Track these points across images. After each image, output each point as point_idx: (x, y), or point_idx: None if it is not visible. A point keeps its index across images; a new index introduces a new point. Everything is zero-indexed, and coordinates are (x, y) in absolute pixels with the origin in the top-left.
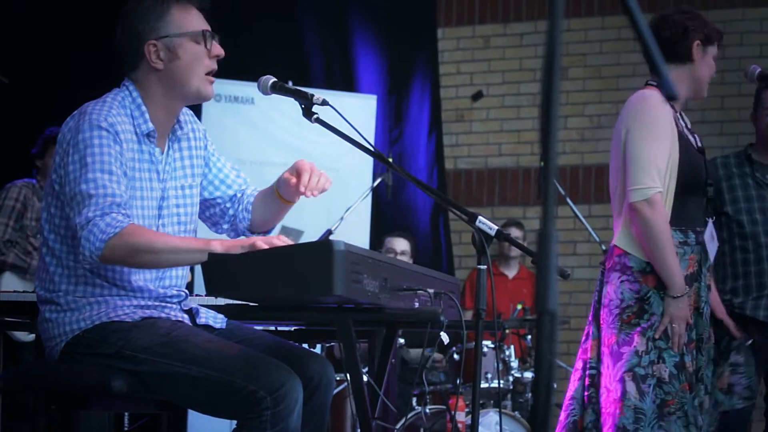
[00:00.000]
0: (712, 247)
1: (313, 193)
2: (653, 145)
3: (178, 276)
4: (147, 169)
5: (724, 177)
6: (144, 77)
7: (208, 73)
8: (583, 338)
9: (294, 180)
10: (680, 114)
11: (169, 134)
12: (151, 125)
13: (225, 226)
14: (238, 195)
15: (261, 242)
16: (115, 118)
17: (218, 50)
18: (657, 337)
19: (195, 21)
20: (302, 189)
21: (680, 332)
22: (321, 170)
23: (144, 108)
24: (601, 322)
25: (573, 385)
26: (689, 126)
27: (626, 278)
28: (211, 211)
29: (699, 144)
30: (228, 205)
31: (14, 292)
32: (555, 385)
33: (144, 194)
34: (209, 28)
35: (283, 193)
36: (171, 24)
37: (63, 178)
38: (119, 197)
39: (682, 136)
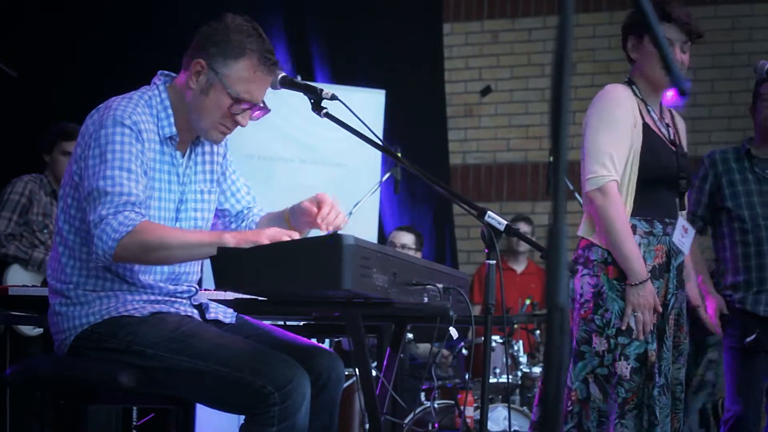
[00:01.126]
0: (685, 240)
1: (329, 229)
2: (605, 136)
3: (189, 273)
4: (167, 171)
5: (723, 172)
6: (180, 84)
7: (222, 124)
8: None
9: (315, 210)
10: (651, 108)
11: (192, 138)
12: (174, 129)
13: None
14: (245, 212)
15: (270, 237)
16: (140, 117)
17: (242, 120)
18: (614, 334)
19: (249, 85)
20: (319, 221)
21: (645, 320)
22: (339, 208)
23: (170, 111)
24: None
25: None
26: (667, 120)
27: (587, 272)
28: (213, 221)
29: (671, 137)
30: (232, 219)
31: (23, 286)
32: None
33: (162, 195)
34: (258, 101)
35: (294, 223)
36: (228, 69)
37: (83, 171)
38: (135, 196)
39: (648, 128)
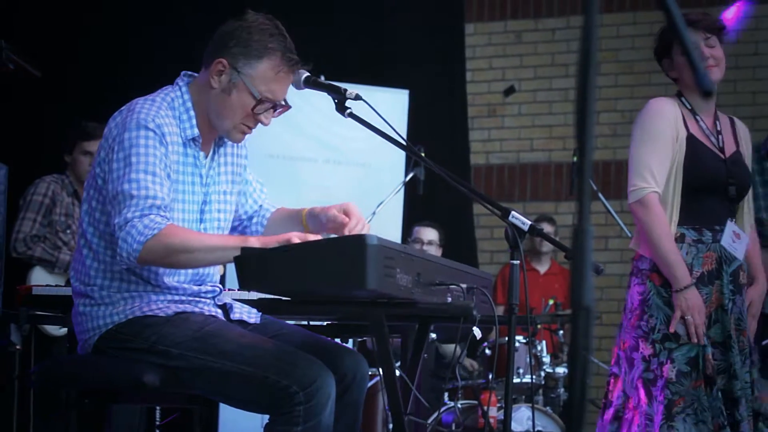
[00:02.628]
0: (737, 245)
1: None
2: (646, 149)
3: (211, 273)
4: (191, 173)
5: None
6: (201, 84)
7: (245, 123)
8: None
9: (345, 220)
10: (699, 117)
11: (215, 139)
12: (197, 131)
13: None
14: (256, 208)
15: (295, 237)
16: (163, 119)
17: (265, 119)
18: (659, 339)
19: (272, 85)
20: (347, 233)
21: (696, 323)
22: (365, 221)
23: (192, 113)
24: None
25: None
26: (719, 128)
27: (638, 281)
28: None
29: (720, 144)
30: (244, 217)
31: (47, 286)
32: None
33: (186, 197)
34: (280, 100)
35: (312, 226)
36: (251, 68)
37: (107, 174)
38: (160, 199)
39: (692, 139)
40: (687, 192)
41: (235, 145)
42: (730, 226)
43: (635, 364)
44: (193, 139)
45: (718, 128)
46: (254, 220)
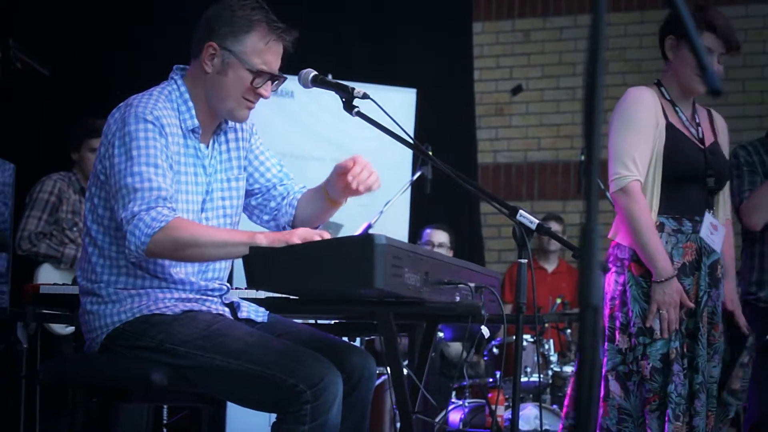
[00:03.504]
0: (715, 237)
1: (360, 188)
2: (627, 137)
3: (220, 268)
4: (192, 163)
5: (758, 162)
6: (194, 73)
7: (246, 99)
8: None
9: (351, 164)
10: (680, 108)
11: (215, 129)
12: (196, 121)
13: (265, 218)
14: (280, 189)
15: (301, 237)
16: (161, 111)
17: (265, 92)
18: (636, 332)
19: (265, 55)
20: (350, 178)
21: (670, 318)
22: (375, 171)
23: (191, 104)
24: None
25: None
26: (697, 120)
27: (616, 269)
28: (248, 201)
29: (700, 135)
30: (268, 196)
31: (54, 284)
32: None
33: (189, 188)
34: (276, 70)
35: (331, 193)
36: (241, 44)
37: (108, 170)
38: (165, 191)
39: (672, 128)
40: (666, 181)
41: (239, 130)
42: (708, 218)
43: (607, 355)
44: (193, 130)
45: (697, 120)
46: (284, 201)
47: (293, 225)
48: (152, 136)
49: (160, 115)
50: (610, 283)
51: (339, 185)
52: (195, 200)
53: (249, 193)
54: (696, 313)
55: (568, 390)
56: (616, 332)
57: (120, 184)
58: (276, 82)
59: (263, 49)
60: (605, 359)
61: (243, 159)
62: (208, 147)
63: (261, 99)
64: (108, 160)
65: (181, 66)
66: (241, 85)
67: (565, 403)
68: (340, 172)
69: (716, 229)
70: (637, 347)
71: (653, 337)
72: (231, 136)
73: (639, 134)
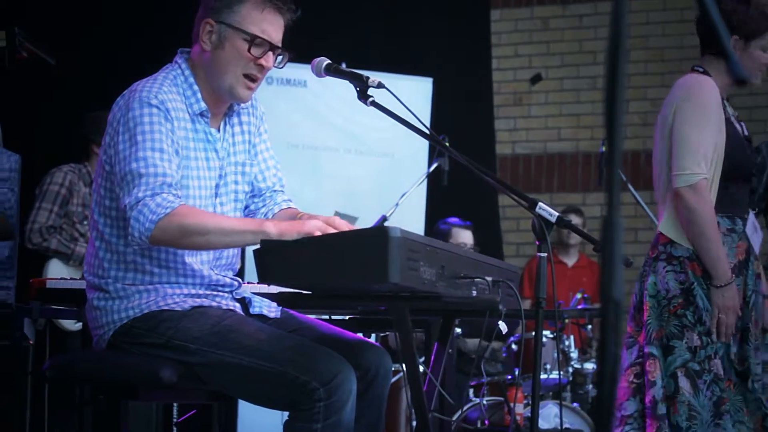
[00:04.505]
0: (756, 238)
1: None
2: (702, 131)
3: (230, 255)
4: (203, 148)
5: None
6: (196, 56)
7: (247, 76)
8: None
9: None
10: (726, 102)
11: (224, 110)
12: (203, 104)
13: (236, 215)
14: (267, 194)
15: (316, 229)
16: (166, 95)
17: (265, 62)
18: (705, 331)
19: (261, 24)
20: None
21: (729, 323)
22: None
23: (196, 87)
24: (645, 313)
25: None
26: (736, 115)
27: (672, 268)
28: None
29: (746, 133)
30: (250, 196)
31: (61, 279)
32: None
33: (201, 174)
34: (275, 40)
35: None
36: (236, 14)
37: (113, 158)
38: (170, 177)
39: (729, 123)
40: (723, 179)
41: (250, 114)
42: (752, 217)
43: (675, 352)
44: (201, 114)
45: (735, 114)
46: (263, 208)
47: None
48: (157, 120)
49: (165, 99)
50: (668, 281)
51: None
52: (208, 185)
53: None
54: (744, 313)
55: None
56: (686, 330)
57: (125, 170)
58: (281, 57)
59: (259, 17)
60: (674, 356)
61: (251, 145)
62: (219, 131)
63: (269, 88)
64: (112, 148)
65: (185, 49)
66: (240, 57)
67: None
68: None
69: (756, 229)
70: (709, 345)
71: (712, 339)
72: (244, 119)
73: (711, 128)
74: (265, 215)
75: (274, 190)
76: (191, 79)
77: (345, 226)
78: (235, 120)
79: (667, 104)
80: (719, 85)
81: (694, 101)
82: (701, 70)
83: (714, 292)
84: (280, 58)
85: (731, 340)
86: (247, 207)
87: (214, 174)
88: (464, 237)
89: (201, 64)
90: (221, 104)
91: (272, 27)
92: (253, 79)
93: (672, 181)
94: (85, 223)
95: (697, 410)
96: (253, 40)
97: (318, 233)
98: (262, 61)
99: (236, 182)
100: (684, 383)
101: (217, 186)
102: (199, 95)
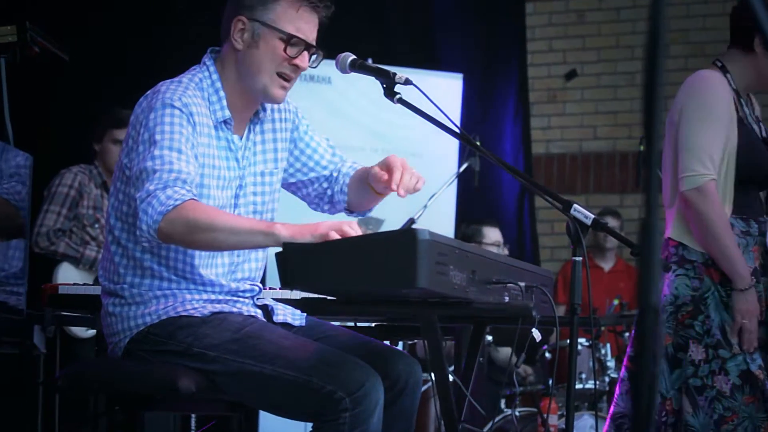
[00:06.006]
0: None
1: (402, 193)
2: (708, 130)
3: (251, 269)
4: (224, 156)
5: None
6: (226, 55)
7: (281, 76)
8: (630, 343)
9: (385, 176)
10: (744, 101)
11: (251, 117)
12: (227, 113)
13: (326, 207)
14: (335, 174)
15: (330, 229)
16: (190, 99)
17: (301, 62)
18: (713, 344)
19: (297, 23)
20: (394, 187)
21: (752, 329)
22: (414, 169)
23: (222, 93)
24: None
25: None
26: (757, 114)
27: (683, 272)
28: (306, 191)
29: (764, 134)
30: (325, 185)
31: (74, 284)
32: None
33: (220, 183)
34: (311, 39)
35: (374, 186)
36: (271, 12)
37: (134, 159)
38: (186, 174)
39: (742, 122)
40: (736, 180)
41: (277, 120)
42: None
43: (682, 366)
44: (225, 122)
45: (756, 113)
46: (336, 187)
47: (348, 209)
48: (178, 122)
49: (189, 102)
50: (678, 286)
51: (379, 186)
52: (226, 195)
53: (304, 183)
54: (766, 321)
55: (616, 390)
56: (691, 341)
57: (140, 168)
58: (315, 57)
59: (295, 15)
60: (681, 369)
61: (282, 151)
62: (242, 138)
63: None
64: (134, 152)
65: (216, 48)
66: (275, 56)
67: (613, 401)
68: (376, 180)
69: None
70: (714, 360)
71: (732, 351)
72: (267, 126)
73: (717, 128)
74: (341, 191)
75: (338, 169)
76: (218, 84)
77: (357, 229)
78: (260, 128)
79: (674, 104)
80: (740, 83)
81: (699, 99)
82: (719, 64)
83: (737, 297)
84: (314, 57)
85: (756, 353)
86: (326, 194)
87: (234, 183)
88: (496, 235)
89: (232, 63)
90: (247, 110)
91: (308, 26)
92: (287, 79)
93: (679, 184)
94: (96, 226)
95: (696, 429)
96: (289, 39)
97: (335, 236)
98: (298, 61)
99: (255, 193)
100: (684, 402)
101: (236, 196)
102: (224, 102)
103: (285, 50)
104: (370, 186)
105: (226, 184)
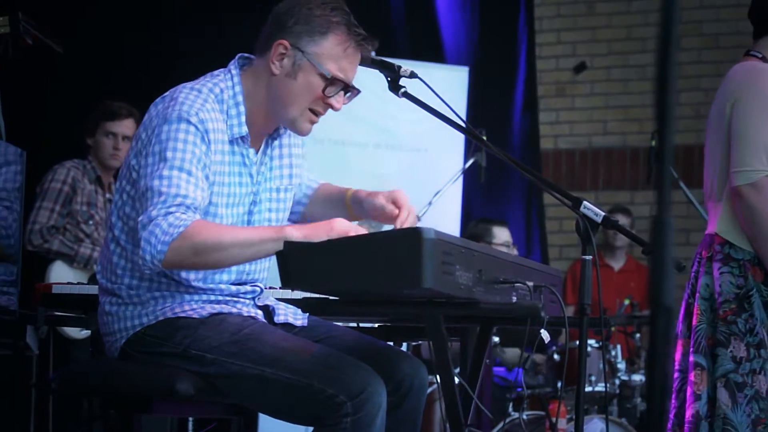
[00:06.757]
0: None
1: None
2: (765, 123)
3: (257, 270)
4: (238, 172)
5: None
6: (258, 72)
7: (312, 111)
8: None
9: (394, 212)
10: None
11: (267, 132)
12: (245, 129)
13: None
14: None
15: (338, 231)
16: (208, 114)
17: (336, 103)
18: (755, 343)
19: (341, 62)
20: (398, 225)
21: None
22: (414, 208)
23: (243, 108)
24: (695, 318)
25: None
26: None
27: (728, 270)
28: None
29: None
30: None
31: (68, 284)
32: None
33: (234, 200)
34: (350, 79)
35: (356, 210)
36: (317, 46)
37: (141, 169)
38: (191, 199)
39: None
40: None
41: (292, 135)
42: None
43: (719, 361)
44: (242, 137)
45: None
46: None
47: (302, 221)
48: (192, 140)
49: (206, 118)
50: (723, 283)
51: (367, 214)
52: (239, 212)
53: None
54: None
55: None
56: (733, 338)
57: (147, 186)
58: (349, 94)
59: (341, 54)
60: (716, 364)
61: (296, 167)
62: (257, 153)
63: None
64: (143, 158)
65: (246, 55)
66: (311, 93)
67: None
68: (381, 214)
69: None
70: (755, 359)
71: (760, 353)
72: (285, 141)
73: None
74: (298, 201)
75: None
76: (239, 97)
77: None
78: (278, 142)
79: (722, 94)
80: None
81: (755, 91)
82: (759, 55)
83: None
84: (348, 94)
85: None
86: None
87: (247, 200)
88: (505, 235)
89: (263, 83)
90: (266, 127)
91: (351, 66)
92: (317, 114)
93: (731, 179)
94: (91, 222)
95: (734, 425)
96: (331, 81)
97: (352, 233)
98: (333, 101)
99: (270, 210)
100: (722, 395)
101: (249, 213)
102: (243, 117)
103: (324, 90)
104: (348, 207)
105: (237, 201)
